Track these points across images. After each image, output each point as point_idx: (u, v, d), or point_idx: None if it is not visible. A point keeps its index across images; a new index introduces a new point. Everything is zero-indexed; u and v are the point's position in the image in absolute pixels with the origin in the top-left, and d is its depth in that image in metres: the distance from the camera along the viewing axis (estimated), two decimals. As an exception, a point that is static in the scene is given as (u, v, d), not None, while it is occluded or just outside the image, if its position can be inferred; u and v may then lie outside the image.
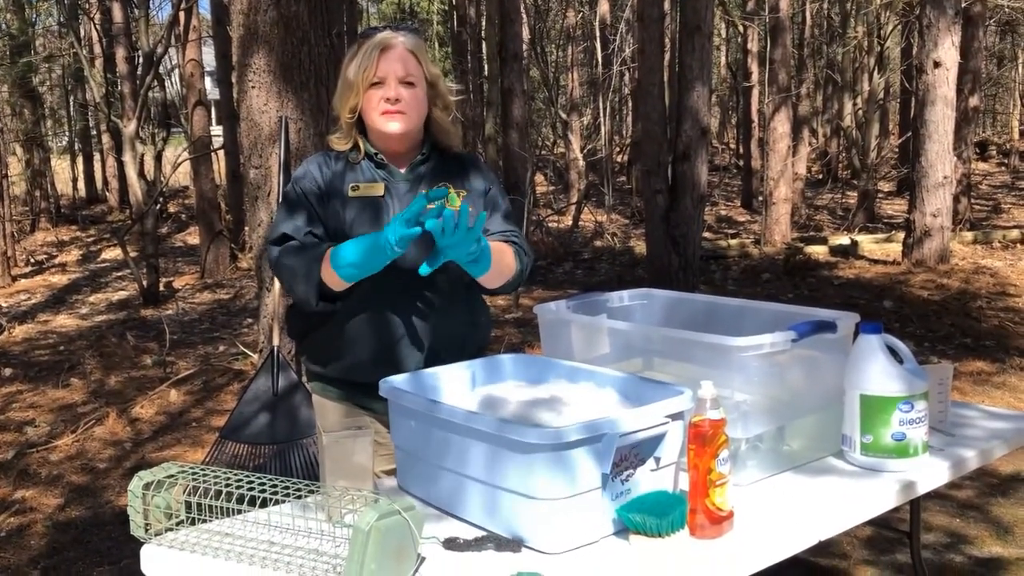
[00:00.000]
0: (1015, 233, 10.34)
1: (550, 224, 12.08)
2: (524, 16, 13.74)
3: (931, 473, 1.77)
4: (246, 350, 6.28)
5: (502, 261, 1.90)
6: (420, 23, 20.76)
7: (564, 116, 15.38)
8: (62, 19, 15.91)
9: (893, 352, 1.77)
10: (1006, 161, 20.75)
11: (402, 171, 1.97)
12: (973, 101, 11.77)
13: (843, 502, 1.64)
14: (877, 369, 1.74)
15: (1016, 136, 22.66)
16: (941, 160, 8.66)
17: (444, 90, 1.99)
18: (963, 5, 8.94)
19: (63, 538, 3.66)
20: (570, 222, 12.31)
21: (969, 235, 10.44)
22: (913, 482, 1.72)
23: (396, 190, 1.96)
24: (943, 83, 8.57)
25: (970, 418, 2.09)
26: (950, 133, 8.73)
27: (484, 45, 16.48)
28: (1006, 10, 16.77)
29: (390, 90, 1.88)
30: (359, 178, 1.95)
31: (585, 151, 14.13)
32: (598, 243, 11.40)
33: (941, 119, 8.62)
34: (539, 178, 16.14)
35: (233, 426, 3.55)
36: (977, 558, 3.22)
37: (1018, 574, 3.08)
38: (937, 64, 8.53)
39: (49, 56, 16.98)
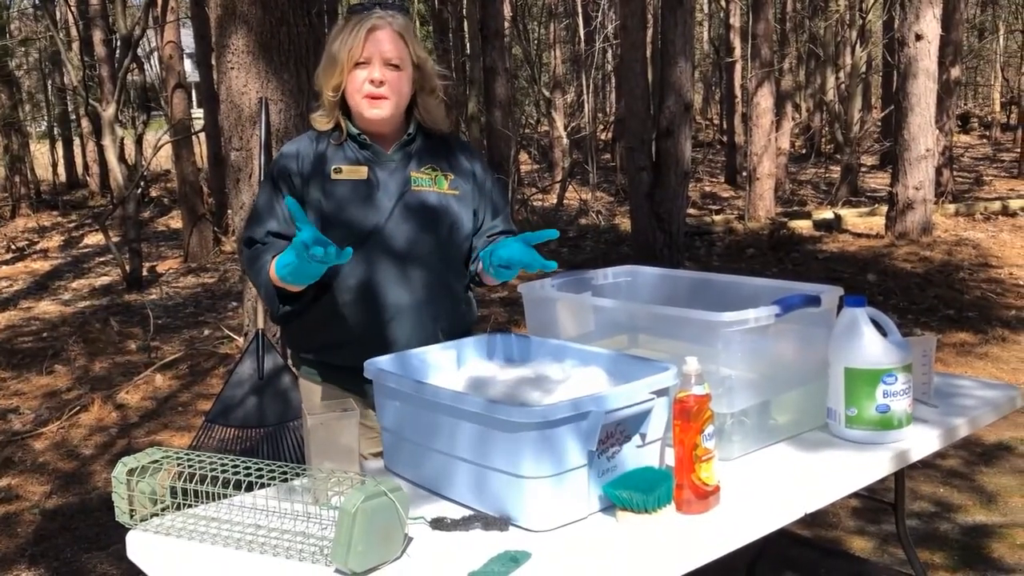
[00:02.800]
0: (996, 205, 10.40)
1: (535, 202, 12.06)
2: (505, -7, 13.64)
3: (916, 444, 1.78)
4: (231, 333, 6.26)
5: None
6: (402, 1, 20.62)
7: (547, 94, 15.32)
8: (37, 1, 15.68)
9: (877, 325, 1.78)
10: (987, 133, 20.84)
11: (388, 151, 1.95)
12: (955, 73, 11.80)
13: (829, 474, 1.65)
14: (861, 342, 1.75)
15: (997, 108, 22.75)
16: (923, 133, 8.69)
17: (431, 72, 1.97)
18: (944, -23, 8.94)
19: (50, 525, 3.65)
20: (555, 200, 12.29)
21: (951, 207, 10.49)
22: (898, 453, 1.74)
23: (382, 171, 1.94)
24: (925, 56, 8.58)
25: (955, 388, 2.10)
26: (932, 106, 8.75)
27: (466, 23, 16.38)
28: (987, -18, 16.77)
29: (374, 71, 1.86)
30: (343, 160, 1.93)
31: (569, 129, 14.09)
32: (583, 221, 11.40)
33: (923, 92, 8.63)
34: (523, 156, 16.09)
35: (219, 410, 3.54)
36: (963, 526, 3.26)
37: (1002, 541, 3.12)
38: (919, 37, 8.53)
39: (25, 39, 16.74)
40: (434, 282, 1.95)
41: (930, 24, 8.54)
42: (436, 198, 1.96)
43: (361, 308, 1.92)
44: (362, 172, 1.93)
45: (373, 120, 1.90)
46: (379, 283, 1.91)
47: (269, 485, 1.48)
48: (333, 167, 1.92)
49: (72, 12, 14.01)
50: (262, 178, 3.78)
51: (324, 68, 1.92)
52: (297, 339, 2.06)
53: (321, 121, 1.96)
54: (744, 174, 12.09)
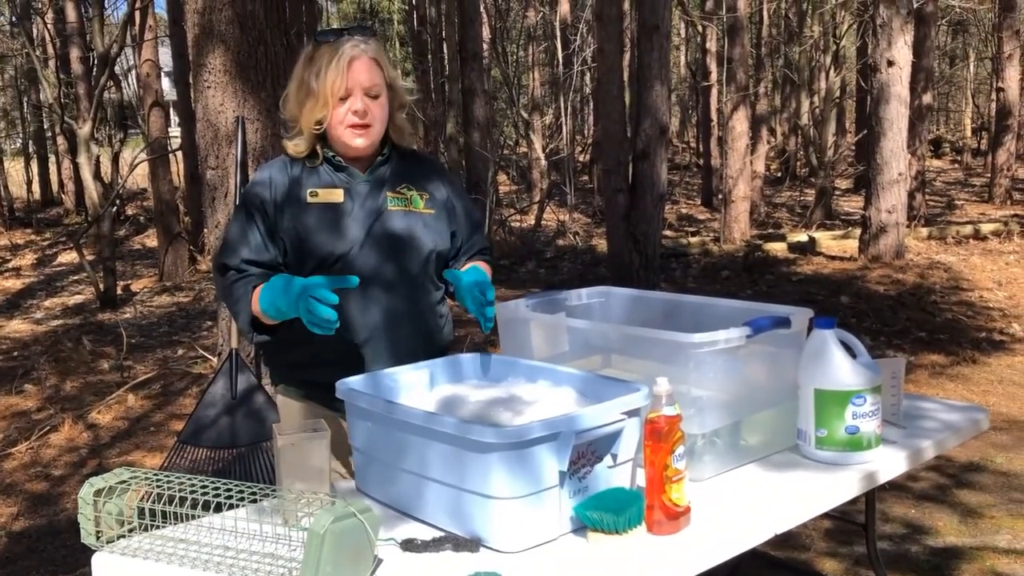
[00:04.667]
0: (968, 229, 10.54)
1: (513, 223, 12.09)
2: (484, 16, 13.74)
3: (885, 465, 1.79)
4: (205, 353, 6.21)
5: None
6: (381, 23, 20.67)
7: (526, 116, 15.39)
8: (14, 19, 15.60)
9: (847, 347, 1.80)
10: (959, 158, 21.16)
11: (363, 174, 1.96)
12: (926, 99, 11.98)
13: (799, 496, 1.66)
14: (830, 364, 1.76)
15: (968, 134, 23.11)
16: (896, 157, 8.80)
17: (400, 89, 1.99)
18: (916, 5, 9.09)
19: (17, 547, 3.59)
20: (533, 221, 12.32)
21: (924, 231, 10.62)
22: (867, 474, 1.75)
23: (356, 193, 1.95)
24: (897, 81, 8.71)
25: (924, 410, 2.12)
26: (904, 130, 8.87)
27: (445, 45, 16.45)
28: (957, 10, 17.09)
29: (356, 102, 1.87)
30: (318, 183, 1.93)
31: (547, 150, 14.15)
32: (561, 242, 11.43)
33: (896, 117, 8.76)
34: (501, 177, 16.13)
35: (192, 430, 3.50)
36: (933, 548, 3.28)
37: (972, 562, 3.14)
38: (891, 63, 8.67)
39: (1, 57, 16.63)
40: (408, 303, 1.96)
41: (902, 51, 8.68)
42: (411, 219, 1.97)
43: (337, 330, 1.91)
44: (338, 195, 1.93)
45: (357, 149, 1.92)
46: (354, 305, 1.91)
47: (239, 506, 1.47)
48: (309, 191, 1.92)
49: (49, 29, 13.94)
50: (236, 200, 3.78)
51: (301, 101, 1.91)
52: (275, 357, 2.06)
53: (297, 148, 1.96)
54: (720, 197, 12.19)
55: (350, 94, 1.87)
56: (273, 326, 1.87)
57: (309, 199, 1.91)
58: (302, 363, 1.97)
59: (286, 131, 2.02)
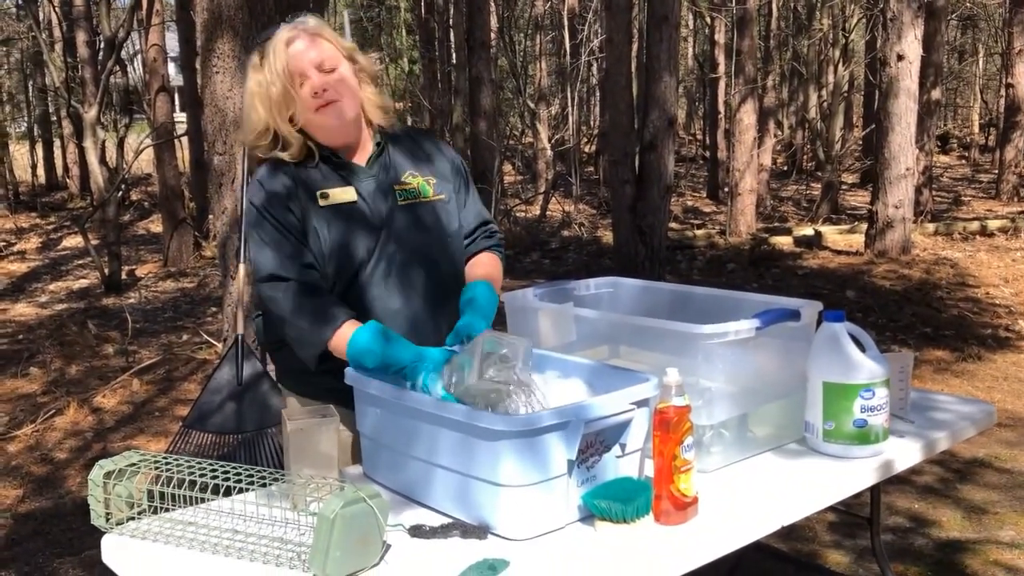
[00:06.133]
0: (975, 225, 10.52)
1: (518, 214, 12.08)
2: (492, 4, 13.70)
3: (892, 459, 1.79)
4: (210, 339, 6.22)
5: (499, 284, 1.93)
6: (388, 10, 20.60)
7: (532, 105, 15.36)
8: (20, 1, 15.58)
9: (855, 340, 1.79)
10: (967, 154, 21.09)
11: (364, 166, 1.88)
12: (935, 94, 11.94)
13: (806, 488, 1.66)
14: (839, 357, 1.76)
15: (976, 130, 23.03)
16: (904, 152, 8.78)
17: (365, 61, 1.88)
18: (926, -1, 9.06)
19: (23, 530, 3.60)
20: (538, 212, 12.31)
21: (931, 226, 10.60)
22: (874, 468, 1.75)
23: (365, 191, 1.85)
24: (906, 76, 8.67)
25: (931, 405, 2.12)
26: (912, 125, 8.85)
27: (452, 33, 16.41)
28: (967, 5, 17.01)
29: (313, 80, 1.77)
30: (324, 185, 1.83)
31: (553, 141, 14.13)
32: (566, 233, 11.42)
33: (904, 111, 8.73)
34: (507, 167, 16.12)
35: (197, 416, 3.50)
36: (937, 541, 3.28)
37: (976, 556, 3.15)
38: (900, 57, 8.63)
39: (7, 39, 16.63)
40: (437, 290, 1.90)
41: (911, 45, 8.65)
42: (424, 208, 1.91)
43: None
44: (350, 193, 1.84)
45: (335, 127, 1.81)
46: (385, 302, 1.84)
47: (247, 490, 1.47)
48: (319, 192, 1.82)
49: (56, 13, 13.94)
50: (244, 187, 3.77)
51: (267, 107, 1.79)
52: (290, 368, 1.97)
53: (290, 156, 1.83)
54: (726, 189, 12.17)
55: (304, 75, 1.77)
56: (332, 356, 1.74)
57: (321, 202, 1.81)
58: (322, 377, 1.83)
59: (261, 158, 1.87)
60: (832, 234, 10.30)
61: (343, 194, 1.84)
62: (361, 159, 1.89)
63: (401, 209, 1.88)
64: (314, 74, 1.78)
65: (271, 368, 2.92)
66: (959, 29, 23.11)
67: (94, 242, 9.13)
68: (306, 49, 1.78)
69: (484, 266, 2.00)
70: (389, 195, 1.88)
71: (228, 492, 1.45)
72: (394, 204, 1.87)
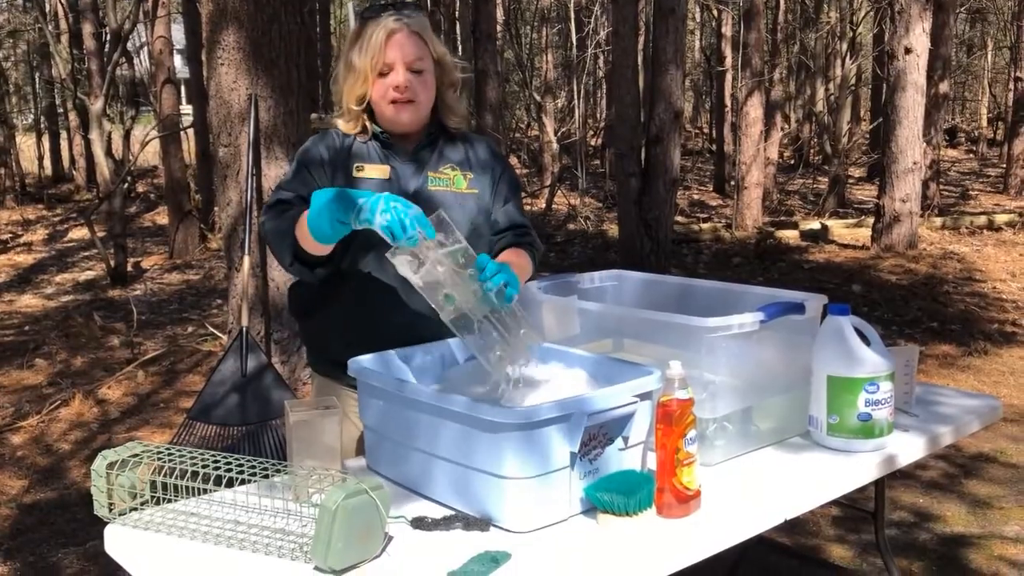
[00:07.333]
0: (982, 219, 10.48)
1: (523, 206, 12.06)
2: (498, -3, 13.66)
3: (896, 453, 1.79)
4: (215, 331, 6.23)
5: (523, 276, 1.90)
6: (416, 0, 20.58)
7: (538, 98, 15.33)
8: (27, -7, 15.59)
9: (860, 334, 1.79)
10: (974, 148, 21.00)
11: (410, 150, 1.93)
12: (943, 88, 11.88)
13: (810, 482, 1.65)
14: (844, 350, 1.75)
15: (984, 123, 22.93)
16: (911, 146, 8.74)
17: (450, 66, 1.95)
18: (934, -8, 9.00)
19: (27, 520, 3.62)
20: (543, 205, 12.29)
21: (938, 221, 10.56)
22: (879, 462, 1.74)
23: (402, 172, 1.92)
24: (914, 69, 8.63)
25: (936, 400, 2.11)
26: (920, 119, 8.81)
27: (458, 25, 16.37)
28: (976, -2, 16.90)
29: (399, 76, 1.84)
30: (365, 158, 1.91)
31: (559, 134, 14.11)
32: (571, 226, 11.40)
33: (911, 105, 8.69)
34: (513, 160, 16.10)
35: (201, 407, 3.52)
36: (941, 536, 3.27)
37: (980, 551, 3.14)
38: (908, 50, 8.59)
39: (13, 31, 16.64)
40: None
41: (919, 38, 8.60)
42: (452, 198, 1.92)
43: (381, 308, 1.89)
44: (384, 171, 1.90)
45: (403, 124, 1.89)
46: (399, 285, 1.86)
47: (250, 481, 1.47)
48: (355, 164, 1.91)
49: (62, 4, 13.94)
50: (249, 177, 3.78)
51: (344, 78, 1.89)
52: (314, 337, 2.02)
53: (345, 127, 1.93)
54: (732, 183, 12.14)
55: (391, 68, 1.84)
56: (315, 260, 1.78)
57: (356, 172, 1.89)
58: (341, 344, 1.84)
59: (329, 112, 1.99)
60: (839, 228, 10.27)
61: (378, 171, 1.90)
62: (409, 145, 1.94)
63: (429, 192, 1.91)
64: (401, 69, 1.84)
65: (275, 361, 2.92)
66: (968, 22, 23.01)
67: (100, 234, 9.14)
68: (403, 44, 1.84)
69: (509, 255, 1.94)
70: (422, 179, 1.93)
71: (231, 483, 1.45)
72: (422, 186, 1.92)
